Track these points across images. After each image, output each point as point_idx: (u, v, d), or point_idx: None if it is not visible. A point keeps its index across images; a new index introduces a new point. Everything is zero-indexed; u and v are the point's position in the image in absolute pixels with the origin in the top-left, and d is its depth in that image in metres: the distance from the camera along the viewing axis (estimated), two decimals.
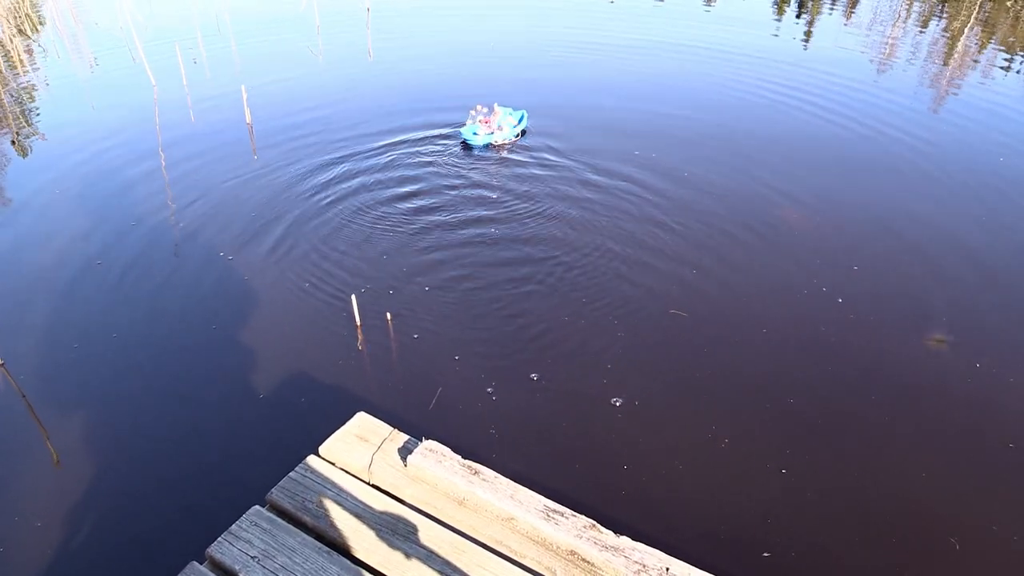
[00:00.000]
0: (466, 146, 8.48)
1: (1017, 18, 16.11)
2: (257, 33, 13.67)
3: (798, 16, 16.48)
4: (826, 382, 4.90)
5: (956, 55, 13.46)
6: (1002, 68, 12.66)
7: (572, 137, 8.64)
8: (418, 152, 8.18)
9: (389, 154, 8.09)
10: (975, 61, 13.10)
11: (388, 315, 5.37)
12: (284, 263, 6.07)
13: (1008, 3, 16.27)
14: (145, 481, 4.13)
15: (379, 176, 7.58)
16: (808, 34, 14.78)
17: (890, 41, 14.42)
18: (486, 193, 7.25)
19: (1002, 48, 14.19)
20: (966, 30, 15.40)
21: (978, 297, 5.86)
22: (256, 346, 5.16)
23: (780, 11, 16.82)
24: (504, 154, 8.20)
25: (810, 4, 17.63)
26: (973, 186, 7.82)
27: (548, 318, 5.45)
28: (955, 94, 11.10)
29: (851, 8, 17.50)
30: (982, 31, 15.40)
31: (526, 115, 9.01)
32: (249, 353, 5.09)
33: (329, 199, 7.11)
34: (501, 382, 4.82)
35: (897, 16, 16.86)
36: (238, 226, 6.63)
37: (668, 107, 9.88)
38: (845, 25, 15.81)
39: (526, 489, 3.32)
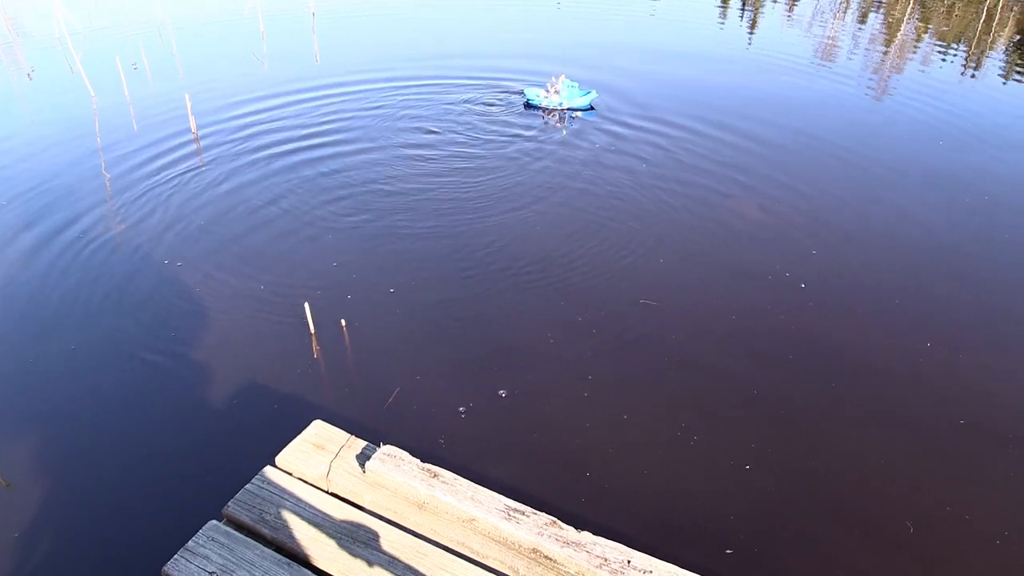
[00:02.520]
0: (527, 105, 9.63)
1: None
2: (200, 40, 13.39)
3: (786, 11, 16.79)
4: (788, 370, 5.02)
5: (896, 44, 13.88)
6: (940, 57, 13.09)
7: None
8: (371, 151, 8.13)
9: (342, 157, 8.03)
10: (914, 51, 13.54)
11: (343, 321, 5.32)
12: (236, 271, 5.96)
13: None
14: (97, 499, 4.01)
15: (332, 180, 7.52)
16: (765, 27, 15.07)
17: (831, 37, 14.81)
18: (449, 194, 7.26)
19: (940, 40, 14.68)
20: (903, 22, 15.87)
21: (931, 278, 6.09)
22: (208, 356, 5.06)
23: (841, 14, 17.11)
24: (498, 145, 8.21)
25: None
26: (921, 169, 8.20)
27: (509, 314, 5.47)
28: (897, 82, 11.45)
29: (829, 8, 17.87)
30: (919, 23, 15.89)
31: (594, 94, 9.64)
32: (201, 364, 4.98)
33: (280, 204, 7.02)
34: (461, 383, 4.82)
35: (839, 10, 17.31)
36: (188, 234, 6.49)
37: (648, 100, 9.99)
38: (789, 18, 16.17)
39: (486, 490, 3.33)
